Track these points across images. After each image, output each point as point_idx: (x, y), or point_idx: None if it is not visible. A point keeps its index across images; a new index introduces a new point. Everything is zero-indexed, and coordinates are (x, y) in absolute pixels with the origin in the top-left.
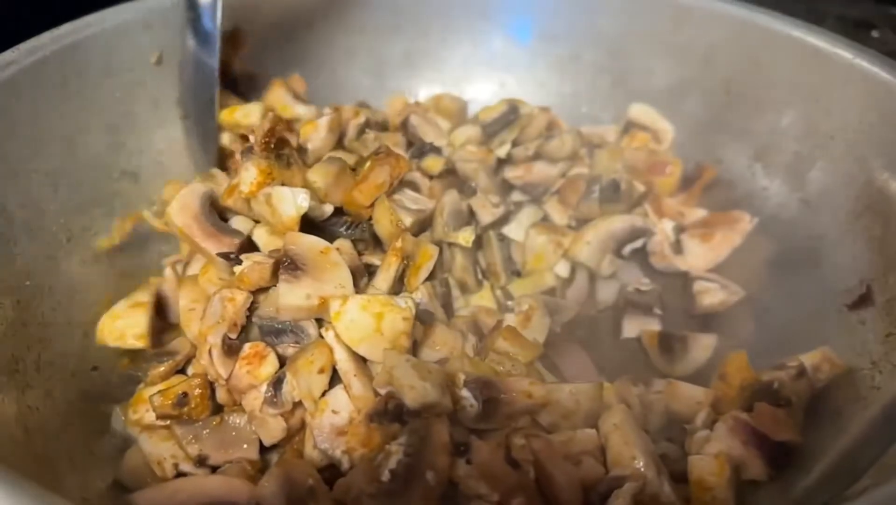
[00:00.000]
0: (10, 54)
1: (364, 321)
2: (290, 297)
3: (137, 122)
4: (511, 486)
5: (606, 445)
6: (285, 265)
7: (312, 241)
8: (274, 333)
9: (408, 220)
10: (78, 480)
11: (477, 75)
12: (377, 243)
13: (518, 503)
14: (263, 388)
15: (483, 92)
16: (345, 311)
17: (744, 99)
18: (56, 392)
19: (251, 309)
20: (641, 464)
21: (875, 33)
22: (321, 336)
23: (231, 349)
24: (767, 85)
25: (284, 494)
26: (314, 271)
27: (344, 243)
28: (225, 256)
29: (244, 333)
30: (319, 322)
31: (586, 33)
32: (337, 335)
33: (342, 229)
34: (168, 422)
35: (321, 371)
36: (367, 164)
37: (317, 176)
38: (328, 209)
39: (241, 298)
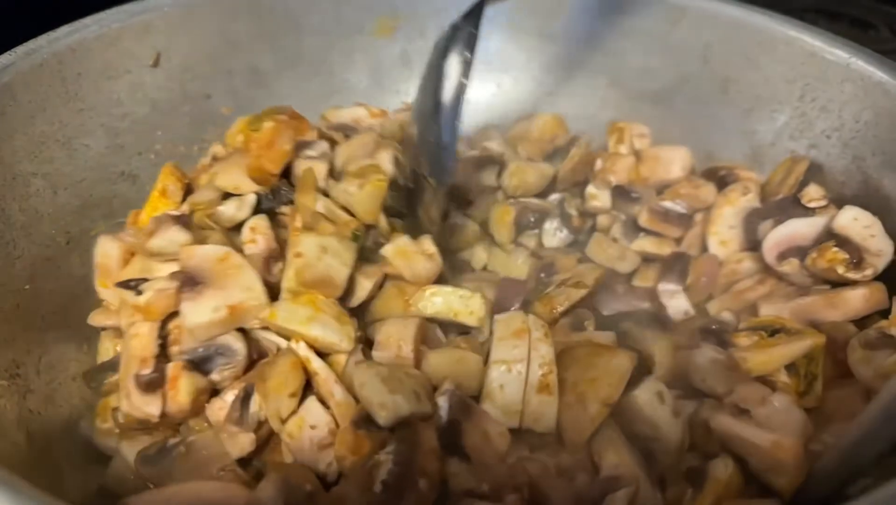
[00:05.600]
0: (7, 57)
1: (299, 309)
2: (197, 315)
3: (136, 123)
4: (502, 478)
5: (600, 461)
6: (184, 283)
7: (207, 251)
8: (201, 361)
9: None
10: (79, 483)
11: (474, 75)
12: None
13: (512, 501)
14: (229, 397)
15: (480, 92)
16: (278, 308)
17: (740, 98)
18: (57, 396)
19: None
20: (636, 472)
21: (872, 32)
22: (289, 349)
23: (151, 384)
24: (764, 84)
25: (282, 499)
26: (216, 281)
27: (259, 222)
28: (125, 285)
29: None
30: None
31: (583, 33)
32: (307, 345)
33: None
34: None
35: (293, 395)
36: (266, 124)
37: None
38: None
39: (145, 329)
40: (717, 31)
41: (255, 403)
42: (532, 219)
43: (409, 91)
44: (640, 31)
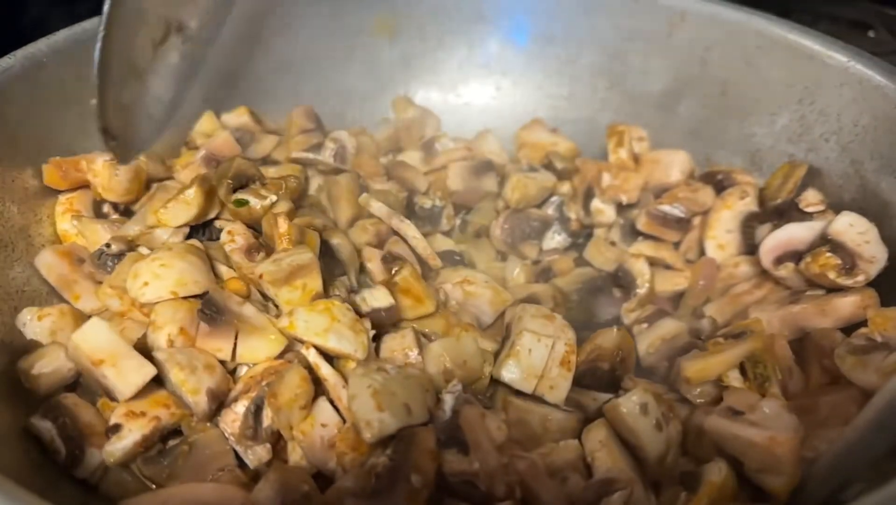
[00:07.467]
0: (6, 60)
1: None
2: (126, 385)
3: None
4: (495, 468)
5: (593, 463)
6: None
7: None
8: None
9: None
10: (76, 489)
11: (473, 78)
12: None
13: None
14: (240, 409)
15: (479, 95)
16: (296, 317)
17: (739, 101)
18: None
19: None
20: (630, 475)
21: (871, 34)
22: (297, 364)
23: None
24: (763, 87)
25: (280, 499)
26: (106, 361)
27: (234, 226)
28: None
29: None
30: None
31: (583, 36)
32: (317, 351)
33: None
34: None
35: (304, 407)
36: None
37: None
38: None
39: None
40: (717, 34)
41: (267, 416)
42: (532, 228)
43: (408, 91)
44: (640, 34)
